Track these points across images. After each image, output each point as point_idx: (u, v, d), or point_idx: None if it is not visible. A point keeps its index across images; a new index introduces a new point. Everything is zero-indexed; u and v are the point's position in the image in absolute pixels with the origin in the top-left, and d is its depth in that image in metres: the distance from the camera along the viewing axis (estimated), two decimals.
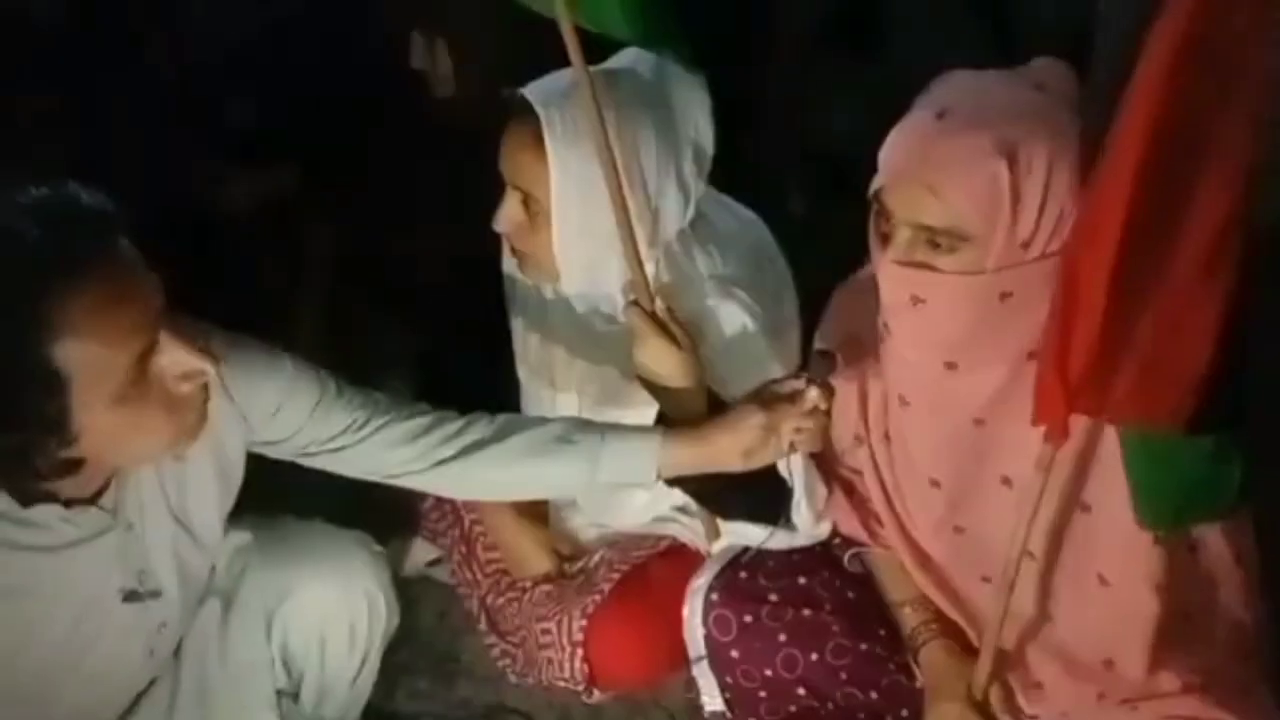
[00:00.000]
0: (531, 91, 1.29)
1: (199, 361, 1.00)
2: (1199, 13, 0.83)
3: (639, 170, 1.28)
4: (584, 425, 1.23)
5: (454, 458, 1.19)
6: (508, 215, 1.32)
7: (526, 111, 1.28)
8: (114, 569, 1.10)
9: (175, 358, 0.99)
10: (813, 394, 1.17)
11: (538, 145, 1.26)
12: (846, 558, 1.37)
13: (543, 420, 1.24)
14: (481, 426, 1.21)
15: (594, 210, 1.27)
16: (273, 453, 1.20)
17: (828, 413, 1.19)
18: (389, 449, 1.19)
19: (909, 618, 1.30)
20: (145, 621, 1.15)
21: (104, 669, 1.14)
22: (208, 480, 1.15)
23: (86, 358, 0.94)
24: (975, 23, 2.30)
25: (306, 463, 1.21)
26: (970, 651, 1.25)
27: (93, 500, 1.07)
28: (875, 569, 1.36)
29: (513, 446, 1.20)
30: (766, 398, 1.18)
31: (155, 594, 1.13)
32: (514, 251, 1.38)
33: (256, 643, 1.24)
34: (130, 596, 1.11)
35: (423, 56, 1.90)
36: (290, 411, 1.16)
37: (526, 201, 1.31)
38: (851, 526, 1.35)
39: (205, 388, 1.04)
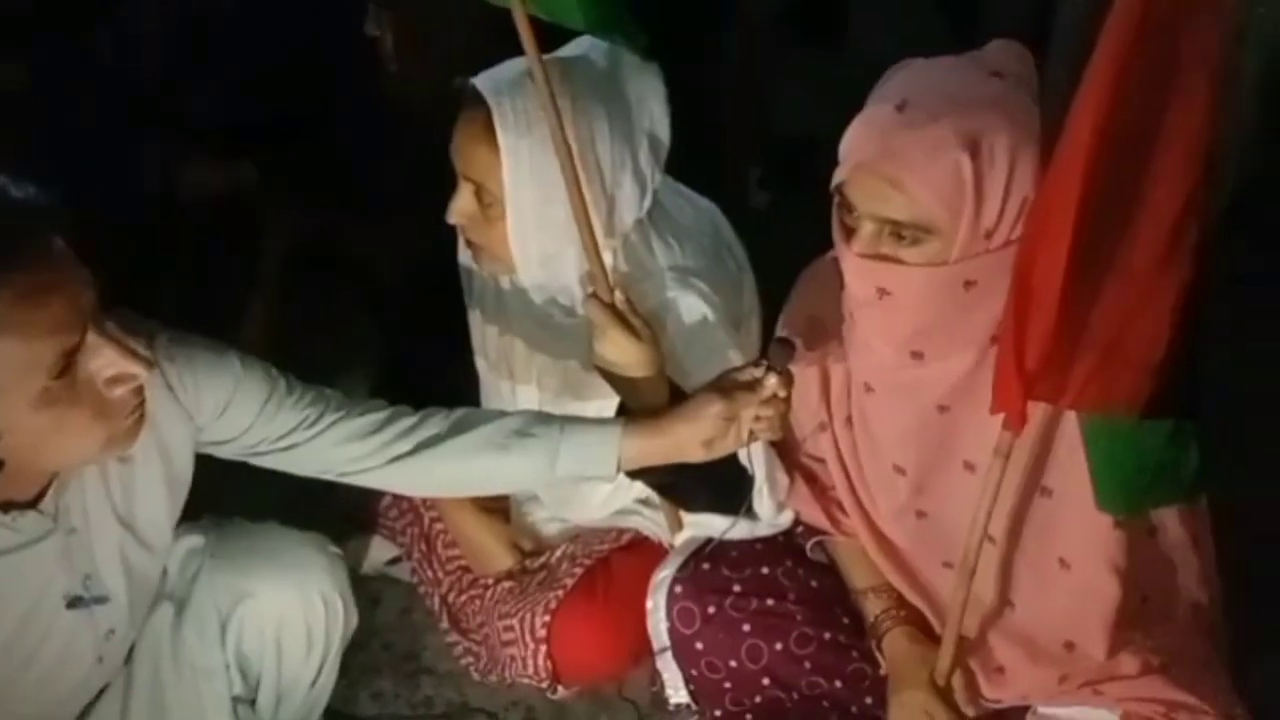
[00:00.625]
0: (482, 81, 1.27)
1: (131, 365, 0.97)
2: (1150, 2, 0.83)
3: (594, 160, 1.26)
4: (542, 419, 1.21)
5: (409, 454, 1.17)
6: (460, 208, 1.30)
7: (478, 102, 1.26)
8: (57, 574, 1.07)
9: (106, 360, 0.96)
10: (771, 382, 1.16)
11: (489, 136, 1.24)
12: (809, 546, 1.36)
13: (500, 414, 1.22)
14: (437, 421, 1.19)
15: (549, 201, 1.25)
16: (222, 452, 1.18)
17: (787, 400, 1.19)
18: (341, 446, 1.16)
19: (872, 605, 1.30)
20: (92, 628, 1.12)
21: (51, 677, 1.11)
22: (155, 482, 1.13)
23: (5, 354, 0.91)
24: (935, 10, 2.30)
25: (257, 462, 1.19)
26: (933, 638, 1.25)
27: (32, 504, 1.04)
28: (838, 557, 1.35)
29: (469, 441, 1.18)
30: (725, 386, 1.17)
31: (101, 600, 1.11)
32: (469, 244, 1.36)
33: (211, 648, 1.22)
34: (74, 602, 1.08)
35: (376, 23, 1.87)
36: (238, 410, 1.13)
37: (479, 193, 1.29)
38: (814, 515, 1.35)
39: (140, 391, 1.00)
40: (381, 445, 1.17)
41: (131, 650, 1.22)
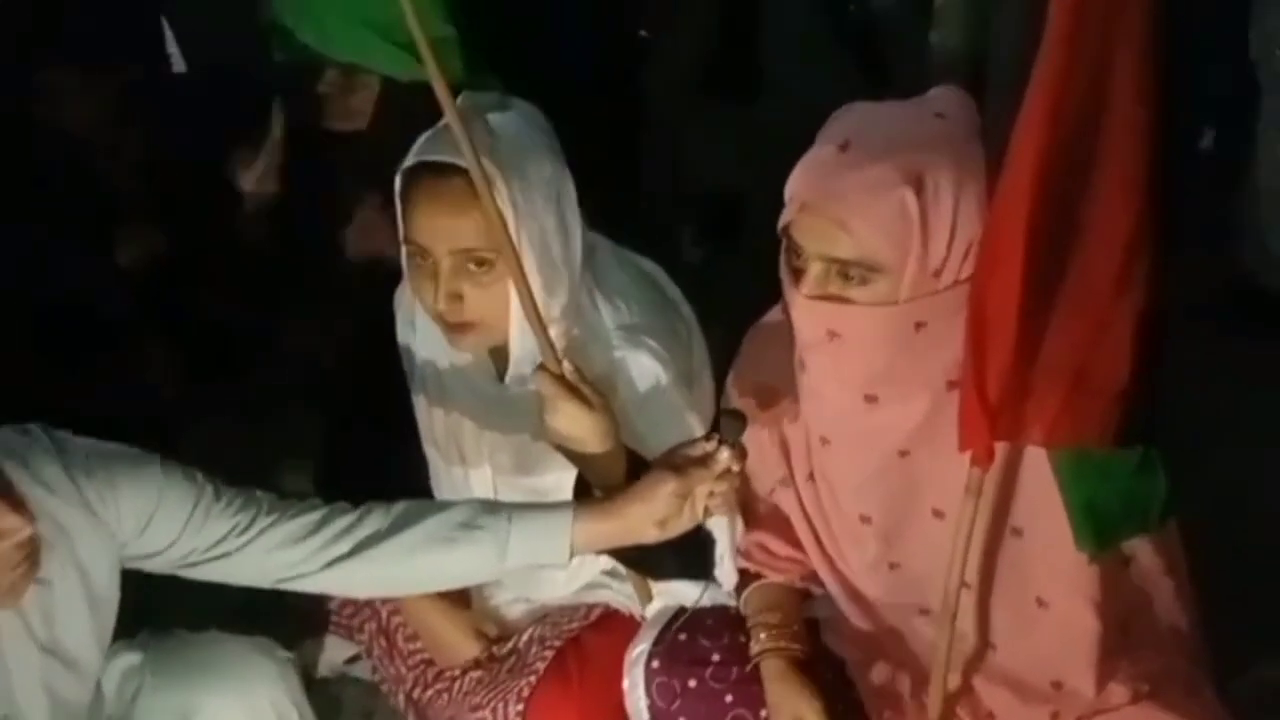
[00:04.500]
0: (431, 153, 1.23)
1: (14, 520, 0.93)
2: (1076, 37, 0.84)
3: (550, 214, 1.24)
4: (489, 508, 1.17)
5: (348, 555, 1.11)
6: (451, 290, 1.24)
7: (439, 173, 1.22)
8: None
9: None
10: (724, 456, 1.13)
11: (471, 199, 1.20)
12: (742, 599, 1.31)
13: (445, 505, 1.17)
14: (377, 518, 1.14)
15: (546, 243, 1.23)
16: (150, 566, 1.12)
17: (741, 474, 1.16)
18: (277, 551, 1.11)
19: (758, 635, 1.27)
20: None
21: None
22: (77, 605, 1.06)
23: None
24: (852, 64, 2.34)
25: (188, 574, 1.13)
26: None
27: None
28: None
29: (412, 538, 1.13)
30: (678, 463, 1.14)
31: None
32: (452, 327, 1.28)
33: None
34: None
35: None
36: (163, 521, 1.08)
37: (472, 263, 1.23)
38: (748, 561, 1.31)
39: (28, 543, 0.95)
40: (318, 548, 1.11)
41: None
